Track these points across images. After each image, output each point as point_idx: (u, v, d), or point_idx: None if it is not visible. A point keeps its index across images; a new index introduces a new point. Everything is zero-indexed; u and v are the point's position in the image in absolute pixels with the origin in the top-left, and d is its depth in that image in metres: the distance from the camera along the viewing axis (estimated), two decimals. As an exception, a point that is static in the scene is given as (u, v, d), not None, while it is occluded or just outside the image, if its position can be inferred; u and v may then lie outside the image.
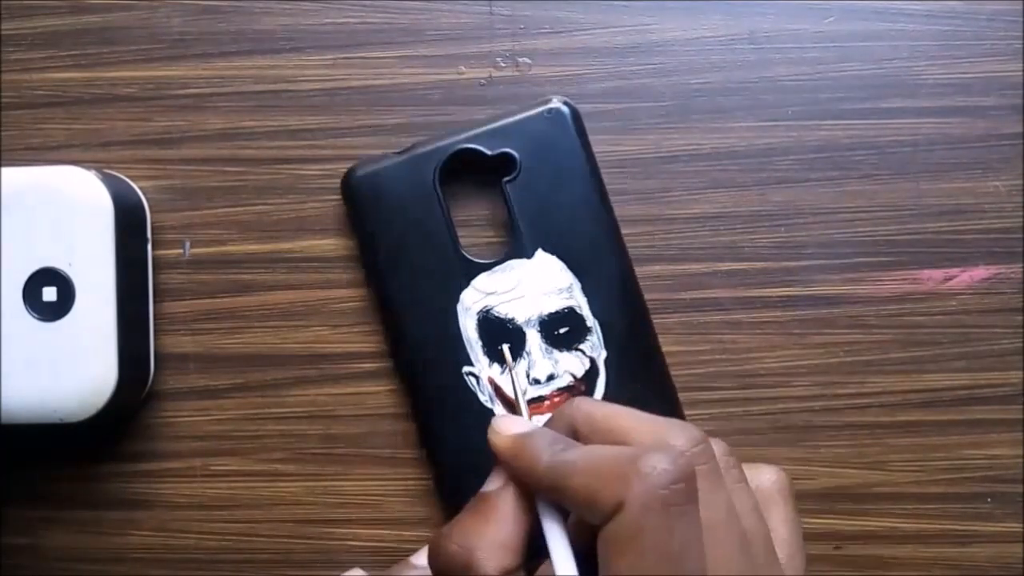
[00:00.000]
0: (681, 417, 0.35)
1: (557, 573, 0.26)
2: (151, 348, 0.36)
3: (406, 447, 0.37)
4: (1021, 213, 0.36)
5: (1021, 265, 0.36)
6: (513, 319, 0.35)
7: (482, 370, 0.35)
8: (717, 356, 0.36)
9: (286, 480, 0.37)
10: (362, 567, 0.36)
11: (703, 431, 0.27)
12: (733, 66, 0.36)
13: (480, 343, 0.35)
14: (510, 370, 0.34)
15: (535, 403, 0.35)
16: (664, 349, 0.36)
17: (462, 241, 0.35)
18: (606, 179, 0.35)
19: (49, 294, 0.34)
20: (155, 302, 0.37)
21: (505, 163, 0.35)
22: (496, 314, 0.35)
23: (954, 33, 0.36)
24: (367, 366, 0.37)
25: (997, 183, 0.36)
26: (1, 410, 0.34)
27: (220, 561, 0.37)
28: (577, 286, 0.35)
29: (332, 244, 0.37)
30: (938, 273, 0.36)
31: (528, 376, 0.35)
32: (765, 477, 0.31)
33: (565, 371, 0.35)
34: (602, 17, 0.37)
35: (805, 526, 0.35)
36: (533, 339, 0.35)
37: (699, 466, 0.26)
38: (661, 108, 0.36)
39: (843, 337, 0.36)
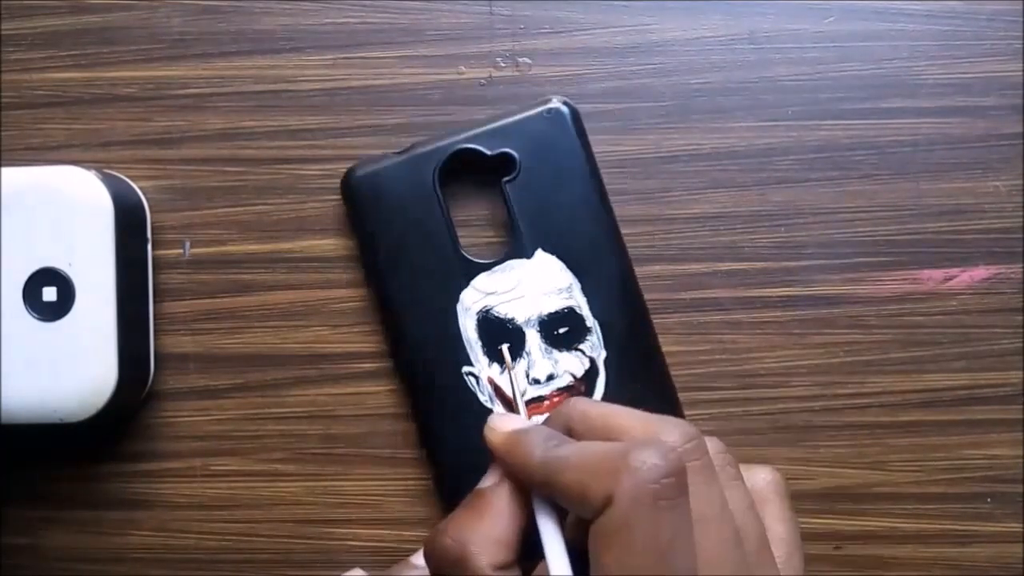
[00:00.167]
0: (681, 417, 0.35)
1: (551, 570, 0.26)
2: (151, 348, 0.36)
3: (406, 447, 0.37)
4: (1021, 213, 0.36)
5: (1021, 265, 0.36)
6: (513, 319, 0.35)
7: (482, 370, 0.35)
8: (717, 356, 0.36)
9: (286, 480, 0.37)
10: (362, 567, 0.36)
11: (697, 428, 0.27)
12: (733, 66, 0.36)
13: (480, 343, 0.35)
14: (509, 370, 0.34)
15: (535, 403, 0.35)
16: (664, 349, 0.36)
17: (462, 241, 0.35)
18: (606, 179, 0.35)
19: (49, 294, 0.34)
20: (155, 302, 0.37)
21: (505, 163, 0.35)
22: (496, 314, 0.35)
23: (954, 33, 0.36)
24: (367, 366, 0.37)
25: (997, 183, 0.36)
26: (1, 410, 0.34)
27: (220, 561, 0.37)
28: (577, 286, 0.35)
29: (332, 244, 0.37)
30: (938, 273, 0.36)
31: (528, 376, 0.35)
32: (760, 477, 0.31)
33: (565, 371, 0.35)
34: (602, 17, 0.37)
35: (805, 526, 0.35)
36: (533, 339, 0.35)
37: (691, 462, 0.26)
38: (661, 108, 0.36)
39: (843, 337, 0.36)
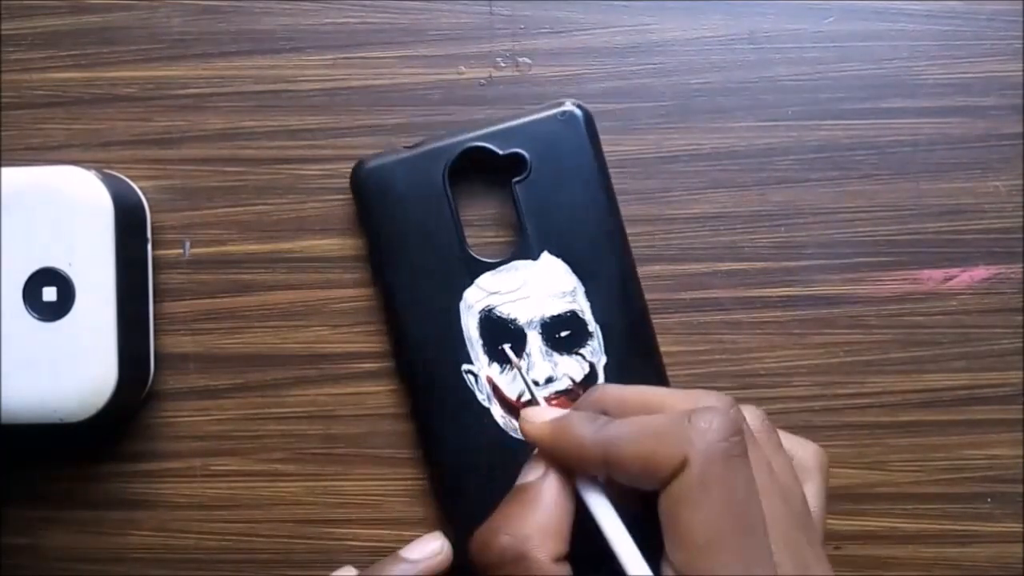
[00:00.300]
0: None
1: (618, 551, 0.27)
2: (151, 348, 0.36)
3: (406, 447, 0.37)
4: (1021, 213, 0.36)
5: (1021, 265, 0.36)
6: (515, 320, 0.35)
7: (481, 369, 0.35)
8: (717, 356, 0.36)
9: (286, 480, 0.37)
10: (358, 567, 0.36)
11: (732, 397, 0.28)
12: (733, 66, 0.36)
13: (481, 342, 0.35)
14: (516, 367, 0.34)
15: (531, 406, 0.35)
16: (664, 349, 0.36)
17: (468, 239, 0.35)
18: (606, 179, 0.36)
19: (49, 294, 0.34)
20: (155, 302, 0.37)
21: (515, 163, 0.35)
22: (498, 314, 0.35)
23: (954, 33, 0.36)
24: (367, 366, 0.37)
25: (997, 183, 0.36)
26: (1, 410, 0.34)
27: (220, 561, 0.37)
28: (581, 290, 0.35)
29: (332, 244, 0.37)
30: (938, 273, 0.36)
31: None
32: (809, 451, 0.31)
33: (564, 374, 0.35)
34: (602, 17, 0.37)
35: (805, 526, 0.35)
36: (534, 341, 0.35)
37: None
38: (661, 108, 0.36)
39: (843, 337, 0.36)
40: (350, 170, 0.35)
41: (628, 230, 0.35)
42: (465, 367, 0.35)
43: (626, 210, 0.36)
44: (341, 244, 0.37)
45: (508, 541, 0.27)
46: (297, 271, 0.37)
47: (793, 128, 0.36)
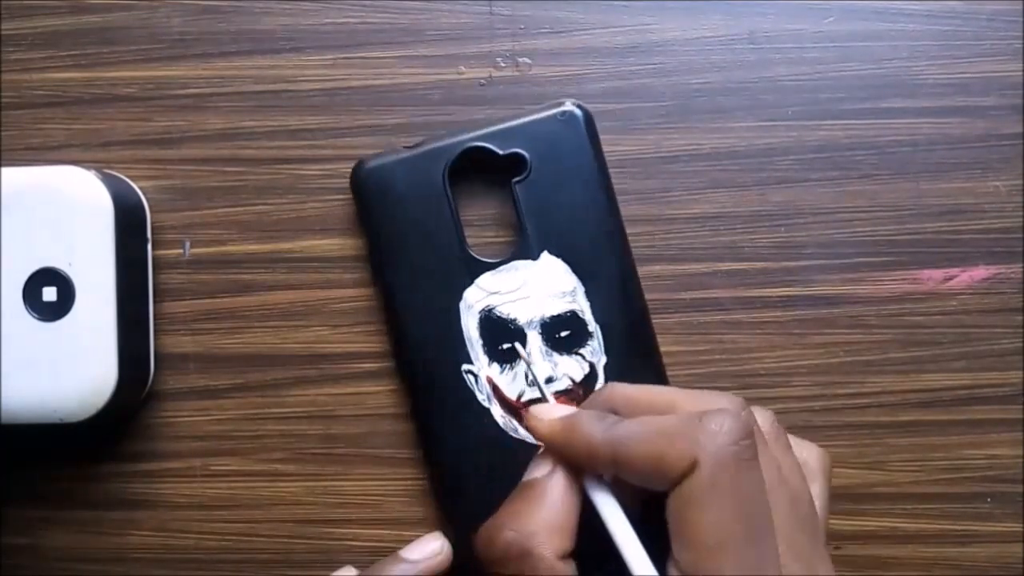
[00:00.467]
0: None
1: (622, 547, 0.27)
2: (151, 348, 0.36)
3: (406, 447, 0.36)
4: (1021, 213, 0.36)
5: (1021, 265, 0.36)
6: (515, 320, 0.35)
7: (481, 369, 0.35)
8: (717, 356, 0.36)
9: (286, 480, 0.37)
10: (359, 567, 0.36)
11: (743, 398, 0.28)
12: (733, 66, 0.36)
13: (481, 342, 0.35)
14: (525, 362, 0.34)
15: (532, 405, 0.35)
16: (664, 349, 0.36)
17: (468, 239, 0.35)
18: (606, 179, 0.36)
19: (49, 294, 0.34)
20: (155, 302, 0.37)
21: (515, 163, 0.35)
22: (498, 314, 0.35)
23: (954, 33, 0.36)
24: (367, 366, 0.37)
25: (997, 183, 0.36)
26: (1, 410, 0.34)
27: (220, 561, 0.37)
28: (581, 290, 0.35)
29: (332, 244, 0.37)
30: (938, 273, 0.36)
31: (526, 377, 0.35)
32: (812, 454, 0.31)
33: (564, 374, 0.35)
34: (602, 17, 0.37)
35: (805, 526, 0.35)
36: (534, 341, 0.35)
37: None
38: (661, 108, 0.36)
39: (843, 337, 0.36)
40: (350, 170, 0.35)
41: (628, 230, 0.35)
42: (465, 367, 0.35)
43: (626, 210, 0.36)
44: (341, 244, 0.37)
45: (513, 537, 0.27)
46: (297, 271, 0.37)
47: (793, 128, 0.36)
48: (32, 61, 0.38)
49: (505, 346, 0.35)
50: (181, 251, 0.37)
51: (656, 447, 0.26)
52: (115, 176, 0.36)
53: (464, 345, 0.35)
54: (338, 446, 0.37)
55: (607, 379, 0.35)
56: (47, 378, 0.33)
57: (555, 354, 0.35)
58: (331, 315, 0.37)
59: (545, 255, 0.35)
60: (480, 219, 0.36)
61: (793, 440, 0.31)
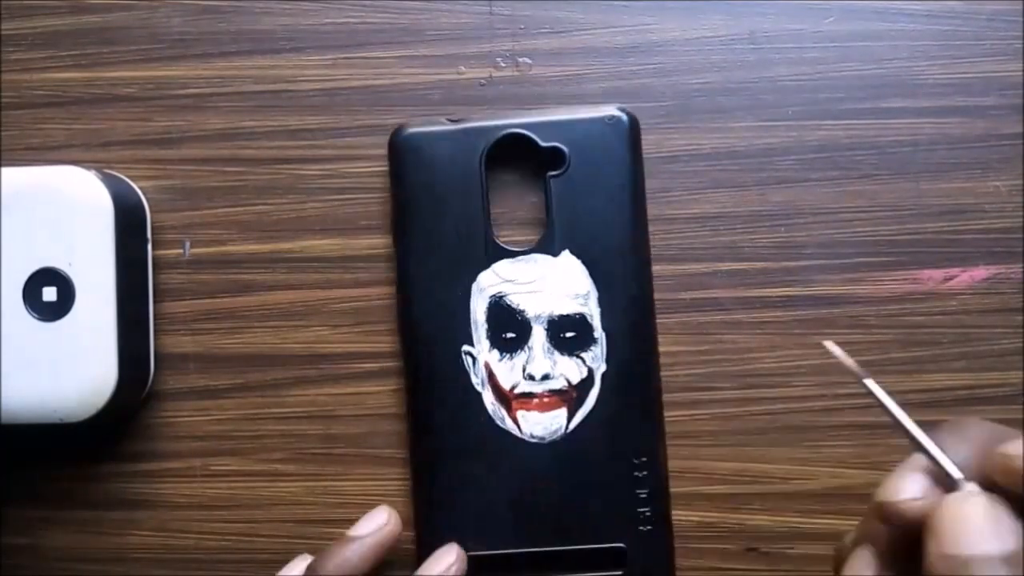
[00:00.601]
0: (660, 440, 0.35)
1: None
2: (151, 348, 0.36)
3: (406, 447, 0.36)
4: (1021, 213, 0.36)
5: (1021, 265, 0.36)
6: (524, 311, 0.35)
7: (481, 352, 0.35)
8: (717, 356, 0.36)
9: (286, 480, 0.37)
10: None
11: None
12: (733, 66, 0.36)
13: (486, 326, 0.35)
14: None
15: (524, 399, 0.35)
16: (664, 349, 0.36)
17: (493, 224, 0.35)
18: (606, 179, 0.35)
19: (49, 294, 0.34)
20: (155, 302, 0.37)
21: (554, 157, 0.35)
22: (508, 302, 0.35)
23: (954, 33, 0.36)
24: (367, 366, 0.37)
25: (997, 183, 0.36)
26: (1, 410, 0.34)
27: (220, 561, 0.37)
28: (595, 295, 0.35)
29: (332, 244, 0.37)
30: (938, 273, 0.36)
31: (524, 371, 0.35)
32: None
33: (561, 374, 0.35)
34: (602, 17, 0.37)
35: (805, 526, 0.35)
36: (538, 336, 0.35)
37: None
38: (661, 108, 0.36)
39: (843, 337, 0.36)
40: (350, 170, 0.35)
41: (628, 230, 0.35)
42: (465, 348, 0.35)
43: (626, 210, 0.36)
44: (341, 244, 0.37)
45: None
46: (297, 271, 0.37)
47: (793, 128, 0.36)
48: (32, 61, 0.38)
49: (508, 335, 0.35)
50: (181, 251, 0.37)
51: None
52: (115, 176, 0.36)
53: (468, 326, 0.35)
54: (338, 446, 0.37)
55: (603, 387, 0.35)
56: (47, 378, 0.33)
57: (556, 353, 0.35)
58: (331, 315, 0.37)
59: (566, 254, 0.35)
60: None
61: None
